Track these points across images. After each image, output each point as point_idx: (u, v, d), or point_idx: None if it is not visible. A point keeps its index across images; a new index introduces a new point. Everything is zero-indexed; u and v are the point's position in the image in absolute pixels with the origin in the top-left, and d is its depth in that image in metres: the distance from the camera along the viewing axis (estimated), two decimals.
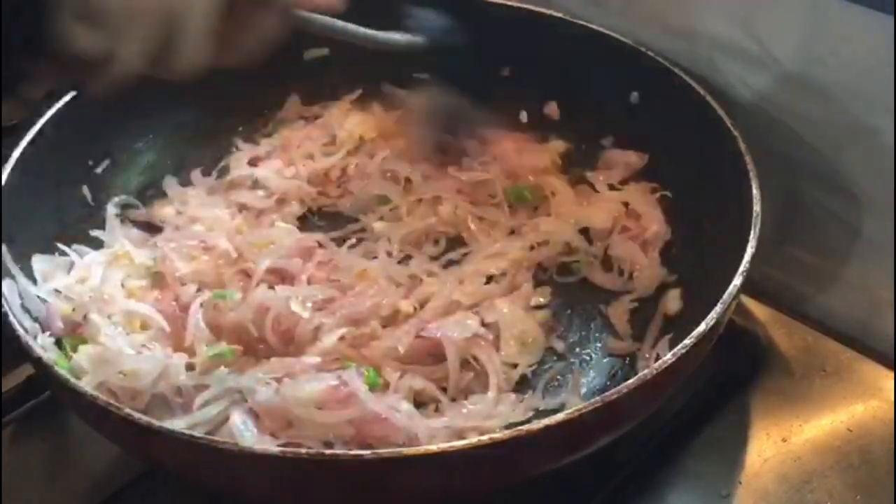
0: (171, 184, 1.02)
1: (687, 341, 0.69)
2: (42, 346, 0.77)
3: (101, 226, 0.95)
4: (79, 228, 0.93)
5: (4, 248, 0.81)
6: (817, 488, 0.79)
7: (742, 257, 0.75)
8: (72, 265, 0.88)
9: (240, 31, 0.67)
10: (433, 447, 0.63)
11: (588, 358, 0.88)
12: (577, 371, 0.86)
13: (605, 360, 0.88)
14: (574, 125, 1.06)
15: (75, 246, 0.90)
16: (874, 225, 0.89)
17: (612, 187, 1.00)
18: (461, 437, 0.74)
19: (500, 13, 1.05)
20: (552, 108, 1.07)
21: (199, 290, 0.87)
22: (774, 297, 0.96)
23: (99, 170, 0.97)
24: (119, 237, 0.93)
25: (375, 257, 0.94)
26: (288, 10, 0.70)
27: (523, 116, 1.08)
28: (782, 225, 0.95)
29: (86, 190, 0.95)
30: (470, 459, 0.64)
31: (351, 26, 0.85)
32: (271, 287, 0.87)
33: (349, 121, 1.07)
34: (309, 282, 0.89)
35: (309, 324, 0.83)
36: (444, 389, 0.82)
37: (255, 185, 1.02)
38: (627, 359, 0.87)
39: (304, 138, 1.06)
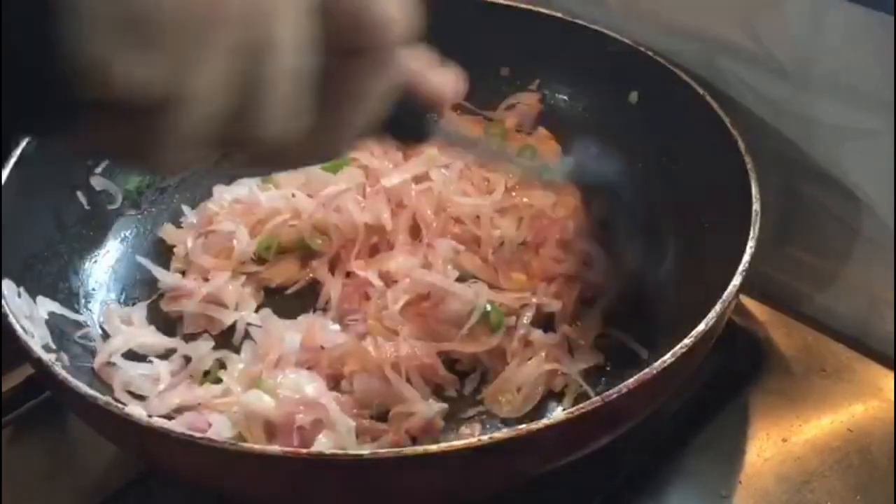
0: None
1: (687, 341, 0.69)
2: None
3: (100, 227, 0.95)
4: (78, 229, 0.93)
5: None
6: (817, 488, 0.79)
7: (742, 257, 0.75)
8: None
9: (343, 96, 0.46)
10: (433, 447, 0.63)
11: None
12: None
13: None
14: (573, 125, 1.05)
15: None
16: (874, 225, 0.89)
17: None
18: None
19: (500, 13, 1.05)
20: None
21: None
22: (774, 297, 0.96)
23: (98, 170, 0.97)
24: None
25: None
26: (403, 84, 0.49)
27: (522, 116, 1.08)
28: (782, 225, 0.95)
29: (85, 190, 0.95)
30: (470, 459, 0.64)
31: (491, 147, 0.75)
32: None
33: None
34: None
35: None
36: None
37: None
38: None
39: None
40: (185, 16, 0.35)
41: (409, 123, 0.56)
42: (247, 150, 0.43)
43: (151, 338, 0.88)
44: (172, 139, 0.39)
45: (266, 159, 0.46)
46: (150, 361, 0.86)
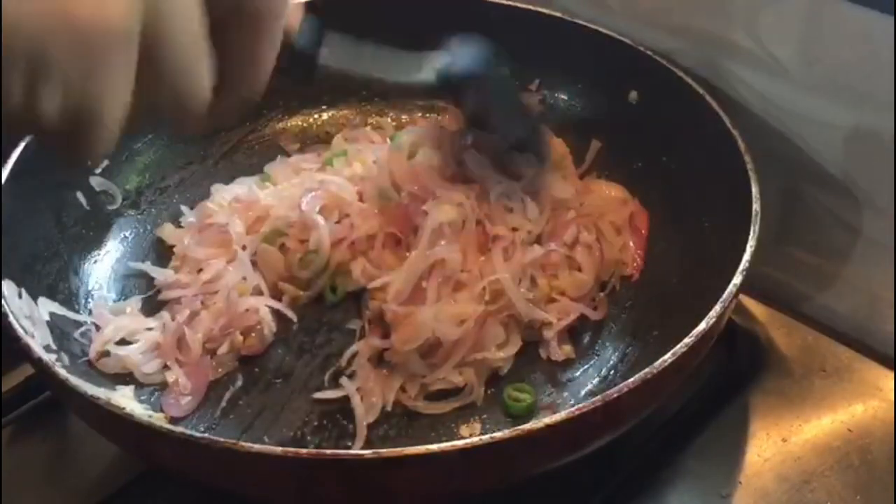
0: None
1: (687, 341, 0.69)
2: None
3: (100, 227, 0.95)
4: (78, 229, 0.93)
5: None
6: (817, 488, 0.79)
7: (742, 257, 0.75)
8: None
9: (235, 53, 0.53)
10: (433, 447, 0.63)
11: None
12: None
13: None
14: (573, 125, 1.06)
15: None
16: (874, 225, 0.89)
17: None
18: None
19: (500, 13, 1.05)
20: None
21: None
22: (774, 297, 0.96)
23: (98, 170, 0.97)
24: None
25: None
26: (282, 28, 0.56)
27: None
28: (782, 225, 0.95)
29: (85, 190, 0.95)
30: (470, 459, 0.64)
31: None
32: None
33: None
34: None
35: None
36: None
37: None
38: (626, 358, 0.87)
39: None
40: (80, 47, 0.40)
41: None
42: (160, 110, 0.49)
43: (143, 324, 0.88)
44: (101, 132, 0.44)
45: (180, 119, 0.52)
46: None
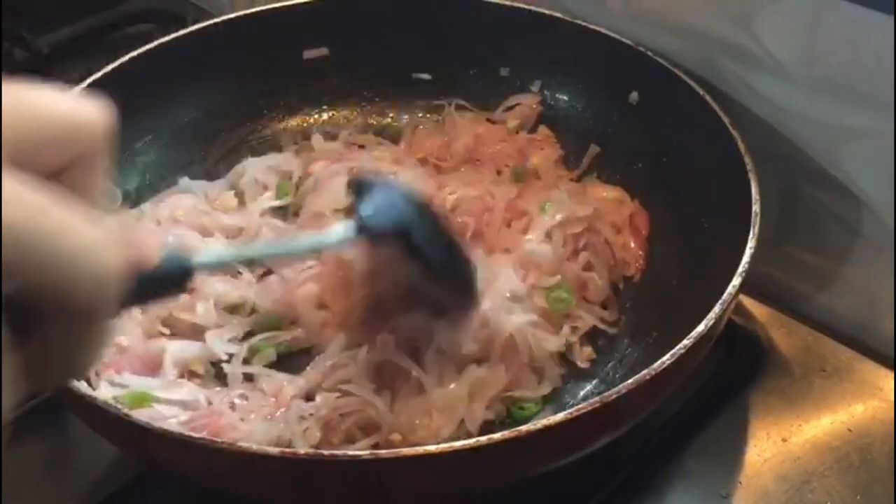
0: None
1: (686, 342, 0.69)
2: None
3: None
4: None
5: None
6: (817, 488, 0.79)
7: (742, 257, 0.75)
8: None
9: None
10: (432, 448, 0.63)
11: None
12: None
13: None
14: (573, 125, 1.06)
15: None
16: (874, 225, 0.89)
17: None
18: None
19: (500, 13, 1.05)
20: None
21: None
22: (774, 297, 0.96)
23: None
24: None
25: None
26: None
27: (523, 117, 1.08)
28: (782, 225, 0.95)
29: None
30: (469, 459, 0.64)
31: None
32: None
33: None
34: None
35: None
36: None
37: None
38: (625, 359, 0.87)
39: None
40: None
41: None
42: None
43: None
44: None
45: None
46: None
